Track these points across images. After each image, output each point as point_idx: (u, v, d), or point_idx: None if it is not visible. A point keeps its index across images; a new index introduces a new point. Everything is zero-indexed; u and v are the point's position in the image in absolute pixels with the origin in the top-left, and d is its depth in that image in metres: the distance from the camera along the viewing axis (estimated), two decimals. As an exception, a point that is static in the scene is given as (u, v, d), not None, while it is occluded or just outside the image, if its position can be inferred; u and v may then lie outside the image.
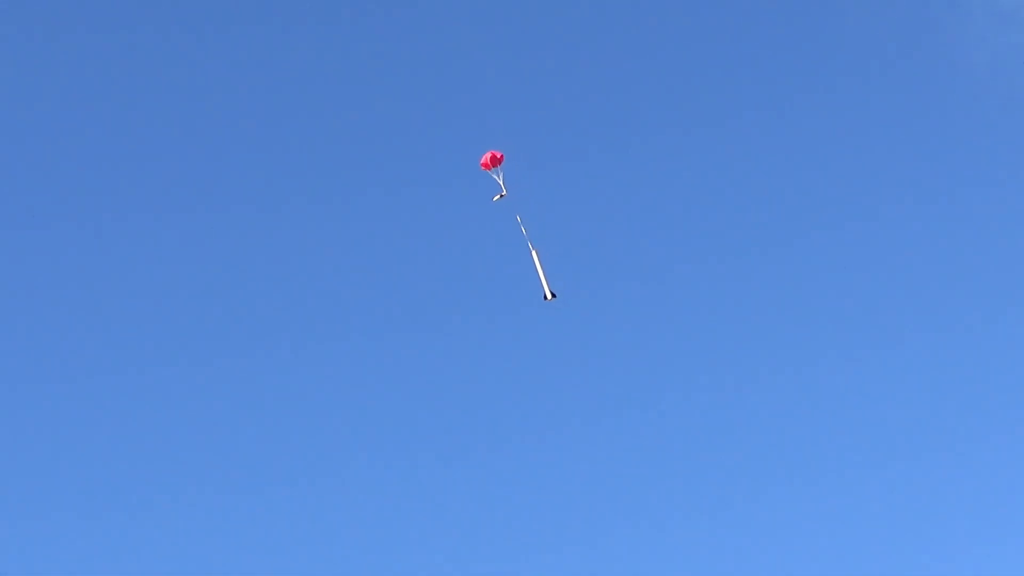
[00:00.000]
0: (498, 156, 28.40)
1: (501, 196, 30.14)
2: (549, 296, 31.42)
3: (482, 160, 28.13)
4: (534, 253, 32.54)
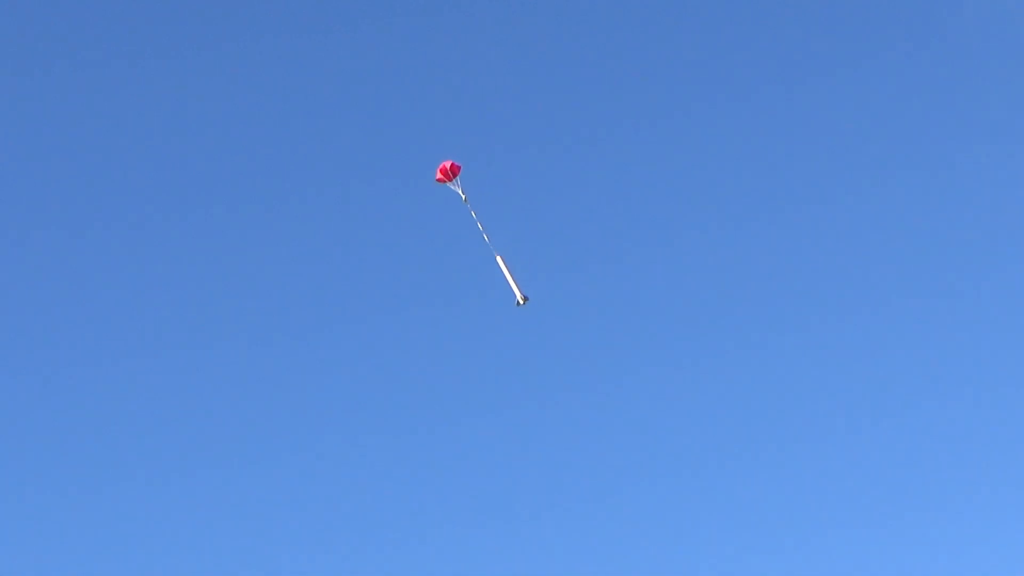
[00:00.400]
0: (455, 167, 28.22)
1: (472, 212, 29.95)
2: (521, 300, 31.03)
3: (437, 174, 27.82)
4: (499, 259, 32.36)
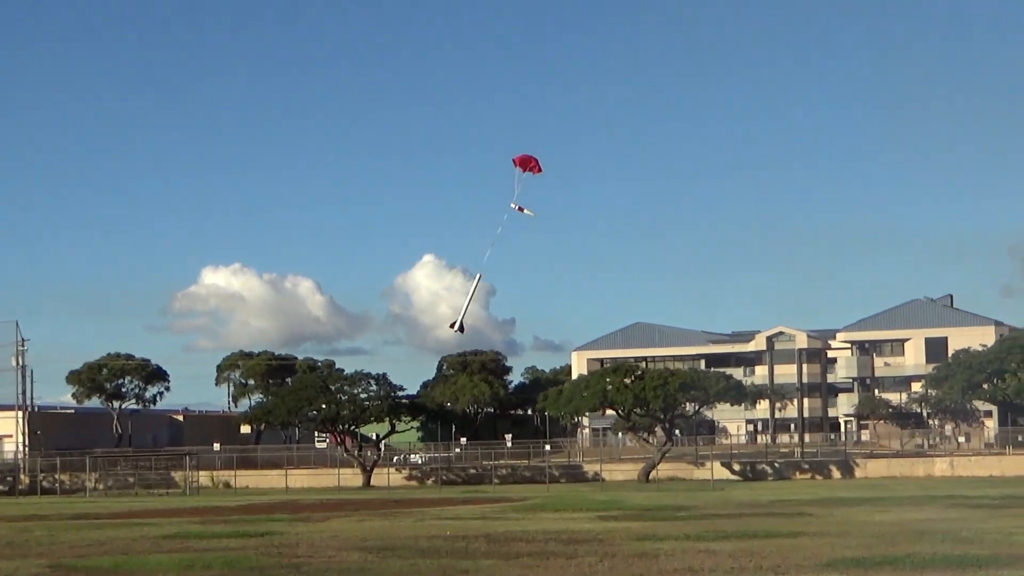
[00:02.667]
0: (532, 163, 28.37)
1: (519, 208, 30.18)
2: (457, 326, 31.25)
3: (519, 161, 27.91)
4: (479, 277, 32.55)
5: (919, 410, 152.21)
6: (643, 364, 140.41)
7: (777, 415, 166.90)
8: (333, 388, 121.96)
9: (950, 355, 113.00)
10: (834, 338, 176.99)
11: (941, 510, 56.58)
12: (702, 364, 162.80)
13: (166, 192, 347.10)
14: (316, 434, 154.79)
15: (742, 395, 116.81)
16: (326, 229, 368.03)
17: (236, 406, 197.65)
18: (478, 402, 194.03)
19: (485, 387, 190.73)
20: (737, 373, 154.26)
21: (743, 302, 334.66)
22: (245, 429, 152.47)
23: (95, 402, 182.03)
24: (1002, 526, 45.08)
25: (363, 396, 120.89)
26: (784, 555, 35.37)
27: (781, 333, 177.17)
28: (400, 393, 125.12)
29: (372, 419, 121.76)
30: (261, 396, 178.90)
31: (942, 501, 64.27)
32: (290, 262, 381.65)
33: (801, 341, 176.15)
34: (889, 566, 31.50)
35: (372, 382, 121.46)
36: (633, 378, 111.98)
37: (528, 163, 28.71)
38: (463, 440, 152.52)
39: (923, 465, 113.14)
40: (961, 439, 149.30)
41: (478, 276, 37.23)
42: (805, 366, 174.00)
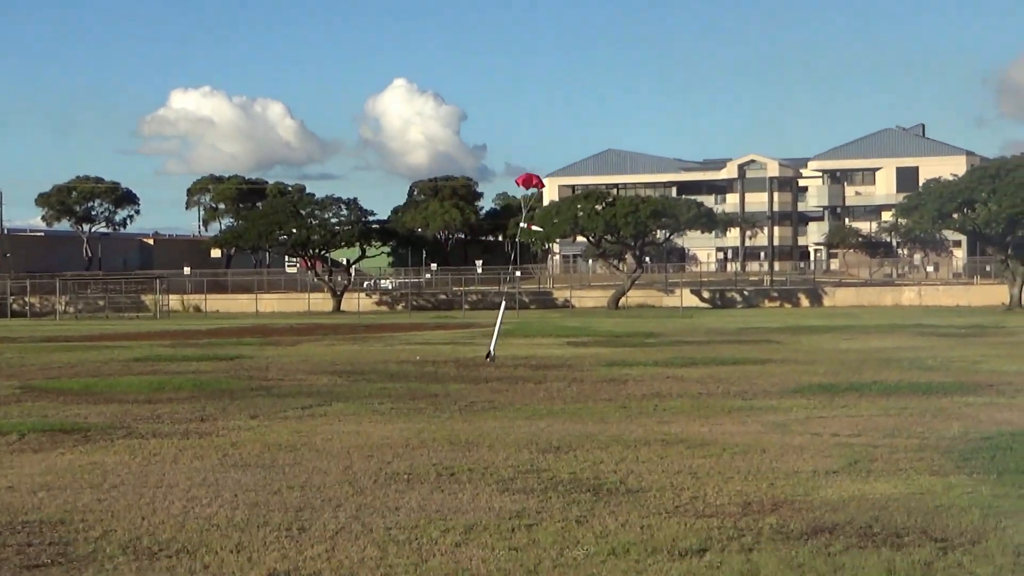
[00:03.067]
0: (536, 181, 28.08)
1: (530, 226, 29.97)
2: (491, 354, 30.33)
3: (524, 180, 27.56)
4: (503, 306, 32.06)
5: (889, 239, 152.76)
6: (615, 191, 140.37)
7: (747, 243, 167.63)
8: (303, 213, 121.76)
9: (921, 184, 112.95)
10: (805, 167, 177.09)
11: (908, 338, 57.00)
12: (674, 191, 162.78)
13: (135, 10, 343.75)
14: (286, 259, 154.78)
15: (713, 223, 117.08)
16: (297, 51, 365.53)
17: (206, 230, 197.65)
18: (449, 228, 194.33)
19: (456, 213, 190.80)
20: (708, 201, 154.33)
21: (716, 129, 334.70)
22: (215, 253, 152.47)
23: (65, 225, 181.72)
24: (968, 355, 45.46)
25: (334, 221, 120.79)
26: (751, 381, 35.65)
27: (753, 161, 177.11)
28: (371, 218, 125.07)
29: (343, 244, 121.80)
30: (231, 220, 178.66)
31: (909, 330, 64.73)
32: (260, 85, 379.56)
33: (773, 169, 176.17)
34: (855, 392, 31.77)
35: (343, 207, 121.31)
36: (604, 205, 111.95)
37: (531, 181, 28.47)
38: (433, 266, 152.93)
39: (891, 294, 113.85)
40: (930, 269, 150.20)
41: (503, 305, 37.15)
42: (776, 194, 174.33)
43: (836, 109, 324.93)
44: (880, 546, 14.65)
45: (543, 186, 26.83)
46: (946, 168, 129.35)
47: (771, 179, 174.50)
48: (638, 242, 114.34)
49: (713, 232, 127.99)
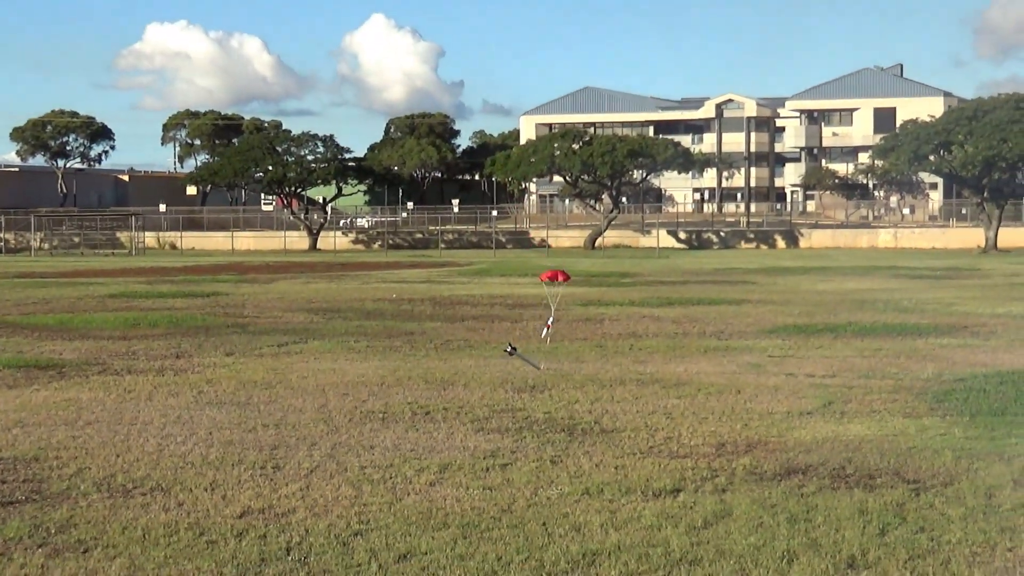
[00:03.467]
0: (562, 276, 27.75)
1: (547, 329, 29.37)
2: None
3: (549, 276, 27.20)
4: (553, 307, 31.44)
5: (865, 181, 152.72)
6: (592, 130, 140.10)
7: (724, 184, 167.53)
8: (280, 149, 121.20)
9: (898, 126, 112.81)
10: (783, 107, 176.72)
11: (883, 280, 57.12)
12: (651, 131, 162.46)
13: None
14: (262, 196, 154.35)
15: (690, 163, 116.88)
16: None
17: (182, 167, 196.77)
18: (425, 166, 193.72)
19: (433, 151, 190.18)
20: (685, 141, 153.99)
21: (694, 68, 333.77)
22: (191, 191, 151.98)
23: (40, 160, 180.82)
24: (942, 296, 45.58)
25: (310, 158, 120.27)
26: (727, 321, 35.72)
27: (730, 101, 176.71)
28: (347, 155, 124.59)
29: (319, 181, 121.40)
30: (207, 156, 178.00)
31: (884, 272, 64.86)
32: (238, 20, 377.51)
33: (750, 109, 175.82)
34: (830, 333, 31.86)
35: (319, 143, 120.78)
36: (581, 144, 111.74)
37: (556, 277, 28.03)
38: (410, 204, 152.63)
39: (867, 236, 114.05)
40: (906, 211, 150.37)
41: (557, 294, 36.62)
42: (753, 135, 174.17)
43: (814, 49, 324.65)
44: (853, 487, 14.73)
45: (568, 279, 26.66)
46: (924, 109, 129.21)
47: (748, 119, 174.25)
48: (615, 182, 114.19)
49: (690, 172, 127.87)
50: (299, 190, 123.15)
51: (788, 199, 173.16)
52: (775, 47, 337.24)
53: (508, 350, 24.68)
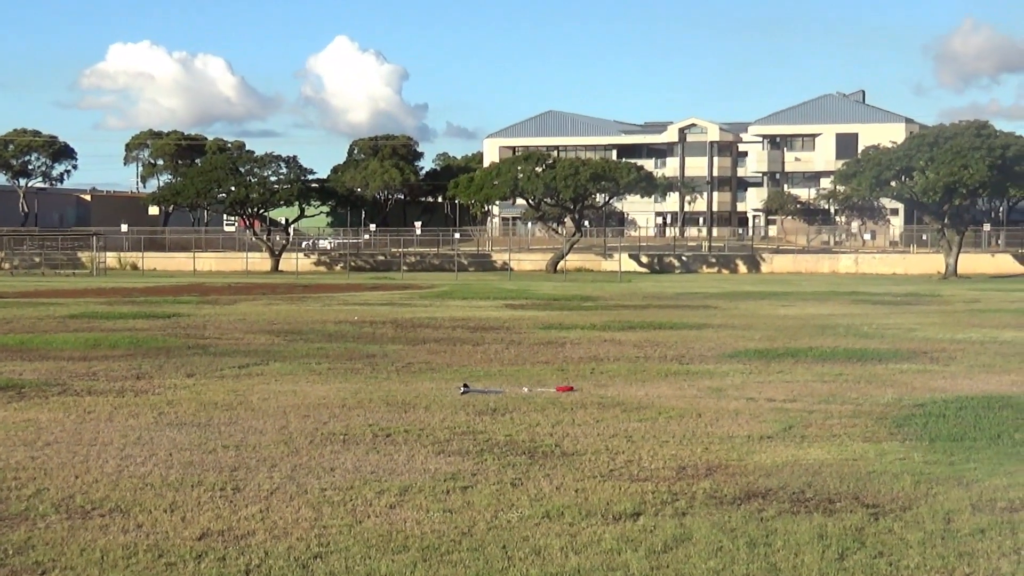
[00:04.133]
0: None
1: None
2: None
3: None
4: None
5: (827, 207, 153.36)
6: (555, 153, 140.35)
7: (686, 209, 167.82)
8: (243, 170, 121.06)
9: (860, 152, 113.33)
10: (746, 131, 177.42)
11: (844, 306, 57.33)
12: (614, 154, 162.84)
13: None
14: (225, 217, 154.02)
15: (653, 187, 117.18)
16: (238, 7, 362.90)
17: (144, 187, 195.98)
18: (389, 188, 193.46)
19: (396, 173, 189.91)
20: (648, 164, 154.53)
21: (658, 92, 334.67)
22: (153, 211, 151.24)
23: (1, 179, 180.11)
24: (903, 322, 45.78)
25: (273, 179, 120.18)
26: (688, 345, 35.79)
27: (693, 125, 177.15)
28: (310, 177, 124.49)
29: (281, 203, 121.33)
30: (170, 177, 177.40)
31: (846, 297, 65.11)
32: (201, 41, 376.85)
33: (713, 133, 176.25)
34: (791, 358, 31.96)
35: (282, 164, 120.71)
36: (544, 167, 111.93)
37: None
38: (372, 226, 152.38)
39: (828, 261, 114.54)
40: (867, 236, 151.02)
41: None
42: (716, 159, 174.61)
43: (778, 74, 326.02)
44: (812, 511, 14.77)
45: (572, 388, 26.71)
46: (885, 135, 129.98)
47: (711, 143, 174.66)
48: (577, 205, 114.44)
49: (652, 197, 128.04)
50: (262, 211, 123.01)
51: (750, 224, 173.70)
52: (738, 73, 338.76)
53: (462, 391, 24.65)
